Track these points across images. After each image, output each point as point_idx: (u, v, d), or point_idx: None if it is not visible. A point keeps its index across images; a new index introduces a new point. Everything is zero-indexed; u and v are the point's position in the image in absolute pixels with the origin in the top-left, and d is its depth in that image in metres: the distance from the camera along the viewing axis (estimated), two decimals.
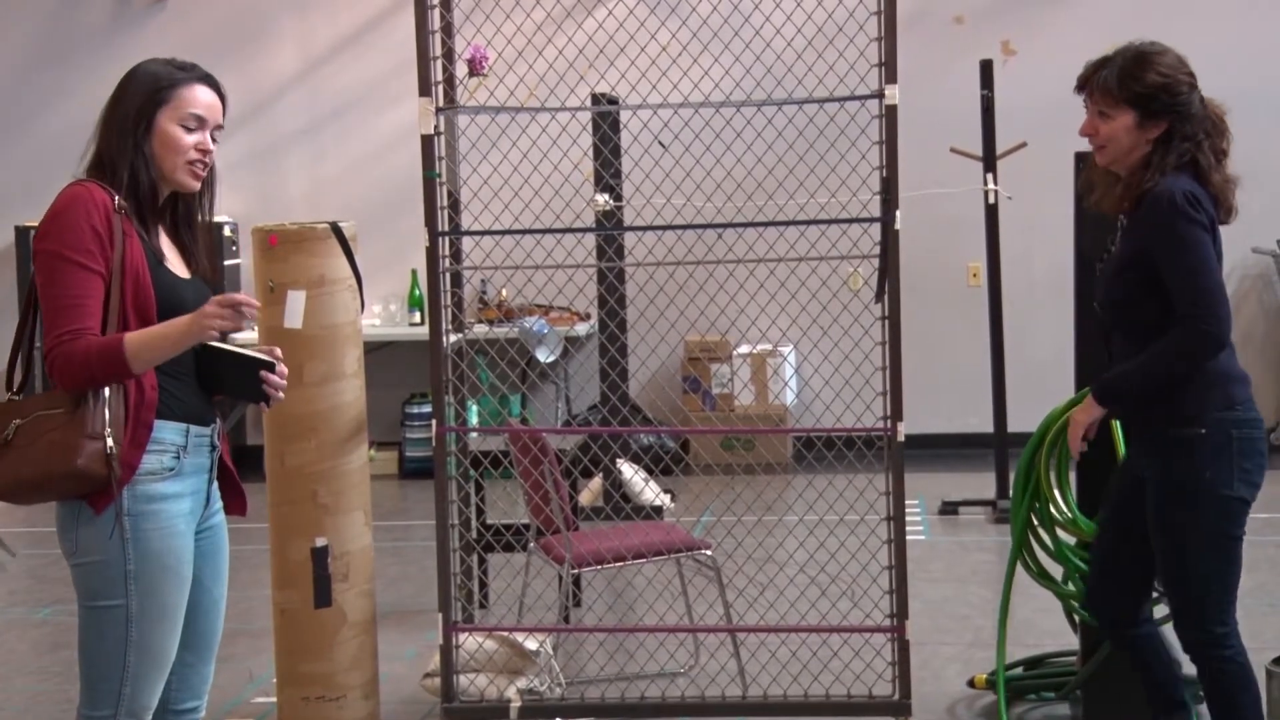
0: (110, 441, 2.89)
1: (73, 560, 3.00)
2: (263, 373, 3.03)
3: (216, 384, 3.09)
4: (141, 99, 3.01)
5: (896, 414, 4.27)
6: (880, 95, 4.19)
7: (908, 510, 4.44)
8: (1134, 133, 3.43)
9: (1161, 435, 3.49)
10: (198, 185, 3.09)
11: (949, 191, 7.07)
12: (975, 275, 8.48)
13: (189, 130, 3.04)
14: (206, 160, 3.07)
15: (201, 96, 3.06)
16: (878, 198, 4.25)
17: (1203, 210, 3.38)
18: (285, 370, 3.06)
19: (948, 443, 8.43)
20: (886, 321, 4.29)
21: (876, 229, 4.28)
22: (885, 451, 4.34)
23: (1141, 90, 3.41)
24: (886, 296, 4.27)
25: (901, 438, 4.24)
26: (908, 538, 4.39)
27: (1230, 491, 3.45)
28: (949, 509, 7.27)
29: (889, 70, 4.18)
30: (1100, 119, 3.46)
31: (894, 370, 4.29)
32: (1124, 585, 3.74)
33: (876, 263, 4.26)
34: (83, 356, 2.87)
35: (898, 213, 4.21)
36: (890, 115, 4.19)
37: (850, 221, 4.42)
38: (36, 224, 3.15)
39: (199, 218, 3.15)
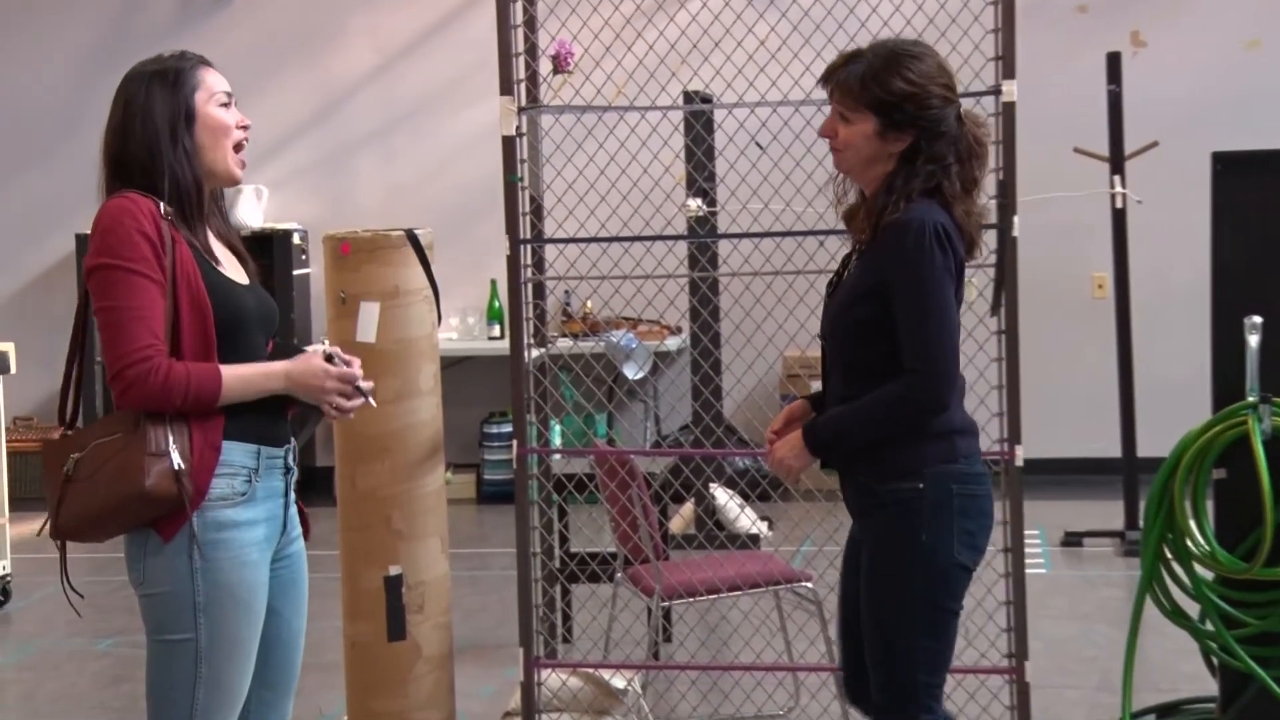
0: (177, 458, 2.90)
1: (140, 591, 3.02)
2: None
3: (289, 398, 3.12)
4: (170, 94, 3.03)
5: (1015, 437, 4.24)
6: (997, 91, 4.16)
7: (1027, 541, 4.40)
8: (874, 142, 3.22)
9: (871, 490, 3.27)
10: (242, 170, 3.15)
11: (1072, 195, 6.99)
12: (1101, 286, 8.38)
13: (226, 108, 3.09)
14: (248, 136, 3.12)
15: (217, 75, 3.12)
16: (994, 202, 4.21)
17: (952, 250, 3.18)
18: (369, 384, 3.10)
19: (1071, 468, 8.33)
20: (1004, 336, 4.25)
21: (993, 236, 4.24)
22: (1002, 477, 4.29)
23: (884, 96, 3.19)
24: (1004, 309, 4.24)
25: (1020, 462, 4.20)
26: (1027, 571, 4.35)
27: (949, 557, 3.22)
28: (1072, 540, 7.19)
29: (1007, 64, 4.15)
30: (840, 121, 3.26)
31: (1012, 389, 4.25)
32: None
33: (992, 273, 4.23)
34: (164, 383, 2.87)
35: (1016, 219, 4.18)
36: (1008, 113, 4.15)
37: None
38: None
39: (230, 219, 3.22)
